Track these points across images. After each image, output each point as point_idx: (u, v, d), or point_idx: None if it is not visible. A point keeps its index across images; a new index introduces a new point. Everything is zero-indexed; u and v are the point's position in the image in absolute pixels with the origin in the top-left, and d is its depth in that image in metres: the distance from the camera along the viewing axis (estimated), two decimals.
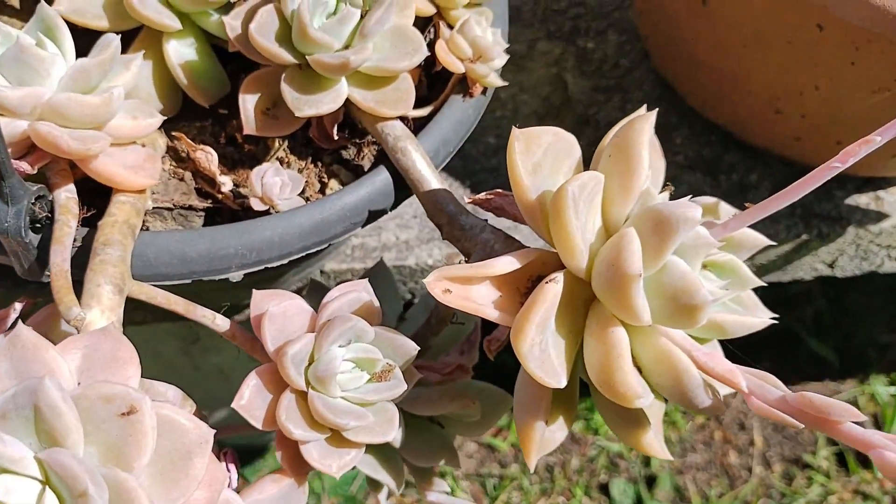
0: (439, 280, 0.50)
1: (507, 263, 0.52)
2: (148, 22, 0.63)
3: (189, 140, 0.64)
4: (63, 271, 0.51)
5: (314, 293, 0.71)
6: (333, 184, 0.66)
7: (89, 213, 0.57)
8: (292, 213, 0.59)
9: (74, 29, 0.59)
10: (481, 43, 0.64)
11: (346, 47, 0.60)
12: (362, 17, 0.59)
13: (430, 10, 0.67)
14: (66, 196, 0.56)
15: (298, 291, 0.79)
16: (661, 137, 1.01)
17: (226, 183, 0.63)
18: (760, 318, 0.55)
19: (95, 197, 0.58)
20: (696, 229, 0.50)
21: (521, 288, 0.54)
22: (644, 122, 0.52)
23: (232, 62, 0.67)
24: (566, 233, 0.49)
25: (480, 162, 0.98)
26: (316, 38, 0.57)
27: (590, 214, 0.51)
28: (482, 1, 0.69)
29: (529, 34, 1.07)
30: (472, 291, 0.51)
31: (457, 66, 0.64)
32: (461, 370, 0.67)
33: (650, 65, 1.04)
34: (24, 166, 0.54)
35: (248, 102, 0.61)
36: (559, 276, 0.50)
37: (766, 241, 0.59)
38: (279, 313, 0.54)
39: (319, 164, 0.67)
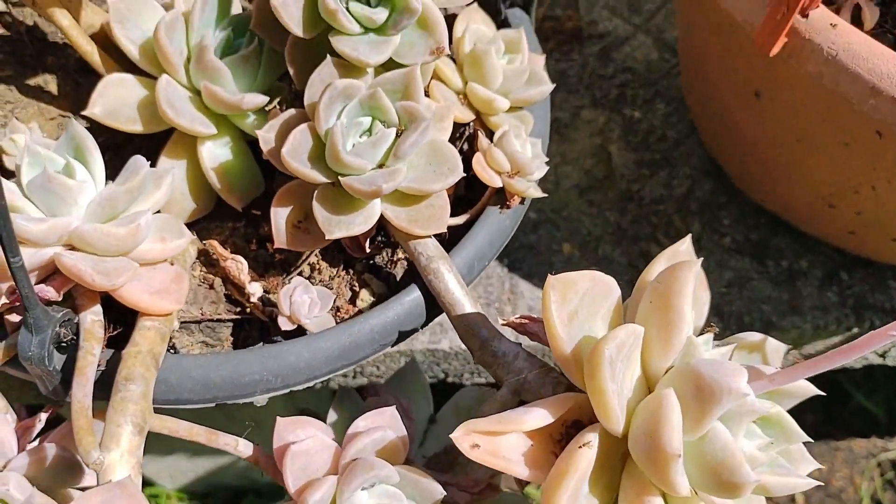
0: (467, 434, 0.48)
1: (539, 418, 0.49)
2: (181, 129, 0.62)
3: (220, 248, 0.62)
4: (84, 408, 0.50)
5: (343, 402, 0.69)
6: (365, 294, 0.64)
7: (115, 332, 0.56)
8: (319, 337, 0.58)
9: None
10: (520, 158, 0.61)
11: (381, 165, 0.58)
12: (398, 134, 0.57)
13: (468, 117, 0.65)
14: (92, 319, 0.55)
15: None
16: (708, 217, 0.98)
17: (255, 291, 0.62)
18: (805, 479, 0.52)
19: (122, 314, 0.57)
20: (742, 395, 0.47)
21: (556, 434, 0.52)
22: (688, 271, 0.49)
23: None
24: (602, 395, 0.47)
25: (518, 238, 0.95)
26: (349, 161, 0.55)
27: (628, 370, 0.49)
28: (524, 104, 0.67)
29: (574, 101, 1.04)
30: (501, 444, 0.49)
31: (494, 181, 0.62)
32: (491, 489, 0.65)
33: (698, 137, 1.01)
34: (49, 293, 0.53)
35: (279, 216, 0.60)
36: (594, 440, 0.47)
37: (814, 391, 0.56)
38: (301, 451, 0.53)
39: (351, 271, 0.65)
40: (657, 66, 1.08)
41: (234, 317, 0.62)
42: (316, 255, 0.65)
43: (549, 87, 0.67)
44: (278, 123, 0.59)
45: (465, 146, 0.67)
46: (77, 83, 0.73)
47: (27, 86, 0.72)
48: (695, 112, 0.98)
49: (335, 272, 0.65)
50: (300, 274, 0.65)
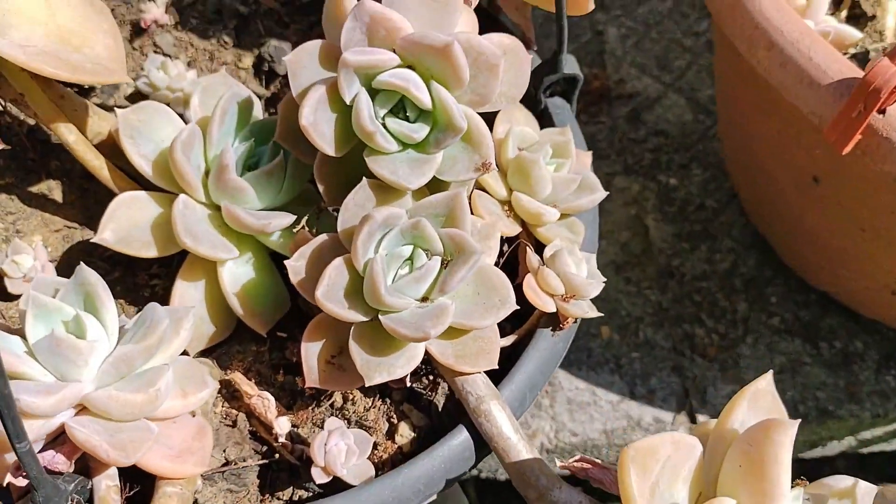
0: None
1: None
2: (201, 255, 0.57)
3: (245, 384, 0.57)
4: None
5: None
6: (404, 428, 0.58)
7: (132, 492, 0.51)
8: (359, 493, 0.52)
9: None
10: (576, 281, 0.55)
11: (425, 298, 0.52)
12: (443, 263, 0.52)
13: (514, 231, 0.60)
14: (107, 485, 0.49)
15: None
16: (755, 294, 0.92)
17: (283, 428, 0.56)
18: None
19: (139, 471, 0.51)
20: None
21: None
22: (784, 434, 0.44)
23: None
24: None
25: None
26: (391, 303, 0.50)
27: None
28: (573, 213, 0.61)
29: (606, 167, 0.99)
30: None
31: (547, 306, 0.56)
32: None
33: (739, 206, 0.95)
34: (59, 464, 0.47)
35: (310, 352, 0.54)
36: None
37: None
38: None
39: (388, 400, 0.59)
40: (692, 128, 1.02)
41: (261, 460, 0.56)
42: None
43: (602, 194, 0.61)
44: (309, 252, 0.54)
45: (508, 257, 0.61)
46: (83, 189, 0.68)
47: (30, 193, 0.67)
48: (736, 181, 0.92)
49: (370, 402, 0.59)
50: (332, 405, 0.59)
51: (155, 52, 0.74)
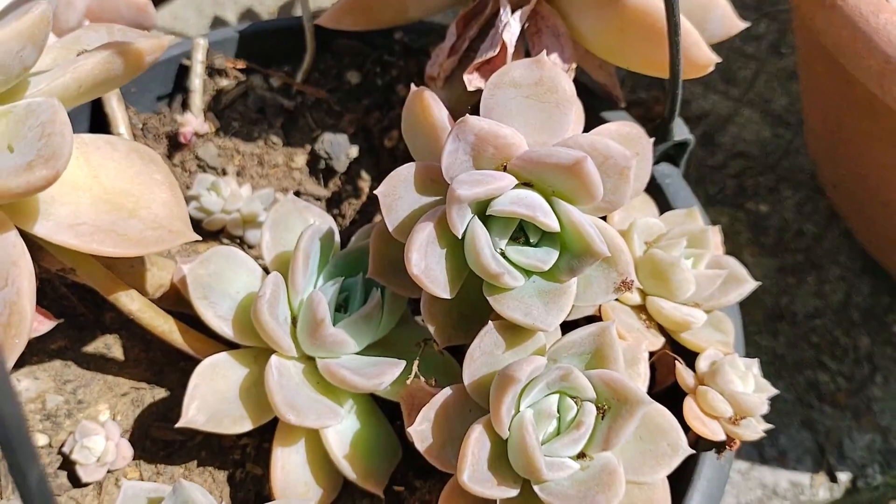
0: None
1: None
2: (309, 427, 0.49)
3: None
4: None
5: None
6: None
7: None
8: None
9: None
10: (745, 401, 0.47)
11: (581, 455, 0.44)
12: (600, 412, 0.43)
13: (659, 344, 0.51)
14: None
15: None
16: (876, 326, 0.83)
17: None
18: None
19: None
20: None
21: None
22: None
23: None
24: None
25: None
26: (549, 477, 0.42)
27: None
28: (715, 307, 0.53)
29: None
30: None
31: (716, 434, 0.48)
32: None
33: (841, 227, 0.87)
34: None
35: None
36: None
37: None
38: None
39: None
40: (773, 144, 0.93)
41: None
42: None
43: (752, 285, 0.53)
44: (433, 413, 0.45)
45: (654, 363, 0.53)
46: (147, 342, 0.60)
47: (86, 355, 0.59)
48: (840, 205, 0.83)
49: None
50: None
51: (199, 166, 0.66)
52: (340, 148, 0.66)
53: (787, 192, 0.90)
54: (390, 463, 0.53)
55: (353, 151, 0.67)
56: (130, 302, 0.50)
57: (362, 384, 0.48)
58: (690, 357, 0.53)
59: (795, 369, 0.81)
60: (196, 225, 0.62)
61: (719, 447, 0.50)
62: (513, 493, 0.43)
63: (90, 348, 0.59)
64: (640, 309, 0.52)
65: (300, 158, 0.67)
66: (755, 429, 0.48)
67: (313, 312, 0.48)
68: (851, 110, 0.69)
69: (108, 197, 0.45)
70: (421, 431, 0.45)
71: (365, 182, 0.67)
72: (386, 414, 0.55)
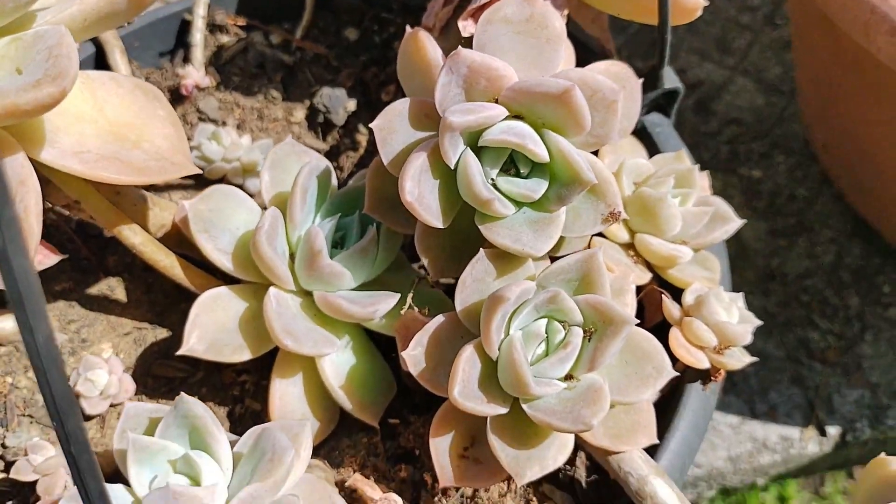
0: None
1: None
2: (304, 355, 0.50)
3: (369, 490, 0.50)
4: None
5: None
6: None
7: None
8: None
9: None
10: (730, 330, 0.49)
11: (569, 377, 0.46)
12: (586, 334, 0.45)
13: (645, 279, 0.53)
14: None
15: None
16: (866, 286, 0.84)
17: None
18: None
19: None
20: None
21: None
22: None
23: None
24: None
25: None
26: (537, 392, 0.43)
27: None
28: (705, 246, 0.54)
29: None
30: None
31: (701, 363, 0.49)
32: None
33: (833, 191, 0.88)
34: None
35: (440, 449, 0.48)
36: None
37: None
38: None
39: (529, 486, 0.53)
40: (766, 112, 0.95)
41: None
42: None
43: (737, 223, 0.54)
44: (426, 339, 0.47)
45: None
46: (148, 284, 0.61)
47: (90, 297, 0.60)
48: (831, 167, 0.85)
49: (505, 487, 0.52)
50: (461, 495, 0.53)
51: (200, 118, 0.67)
52: (339, 102, 0.67)
53: (779, 158, 0.92)
54: (385, 397, 0.55)
55: (351, 105, 0.68)
56: (133, 235, 0.51)
57: (358, 312, 0.49)
58: (677, 295, 0.54)
59: (786, 328, 0.82)
60: (197, 175, 0.64)
61: (704, 378, 0.52)
62: (502, 410, 0.45)
63: (93, 290, 0.61)
64: (629, 247, 0.53)
65: (299, 113, 0.69)
66: (739, 358, 0.50)
67: (311, 244, 0.49)
68: (841, 69, 0.70)
69: (112, 129, 0.47)
70: (414, 356, 0.47)
71: (362, 135, 0.68)
72: (381, 352, 0.57)
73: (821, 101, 0.79)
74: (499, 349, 0.45)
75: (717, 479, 0.77)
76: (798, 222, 0.87)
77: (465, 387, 0.44)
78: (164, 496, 0.39)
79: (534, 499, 0.53)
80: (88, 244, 0.62)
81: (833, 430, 0.78)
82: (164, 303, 0.61)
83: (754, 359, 0.52)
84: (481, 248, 0.47)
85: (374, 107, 0.70)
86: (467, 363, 0.44)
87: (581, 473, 0.53)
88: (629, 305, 0.50)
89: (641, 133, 0.61)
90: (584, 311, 0.45)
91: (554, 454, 0.46)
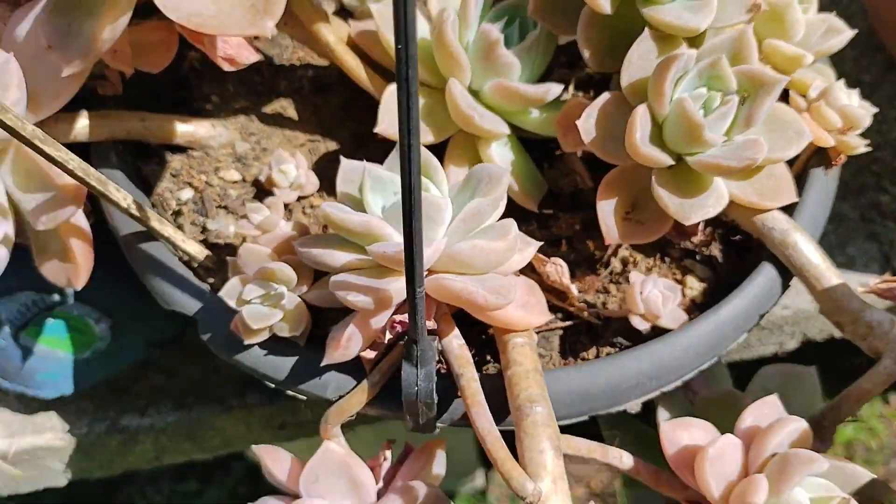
0: None
1: None
2: (481, 133, 0.58)
3: (539, 254, 0.58)
4: (496, 438, 0.46)
5: (669, 402, 0.65)
6: (692, 281, 0.59)
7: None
8: (686, 333, 0.53)
9: None
10: (853, 112, 0.57)
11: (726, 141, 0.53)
12: (741, 101, 0.53)
13: None
14: (458, 344, 0.50)
15: None
16: None
17: (575, 294, 0.58)
18: None
19: (461, 324, 0.52)
20: None
21: None
22: None
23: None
24: None
25: None
26: (709, 139, 0.51)
27: None
28: (820, 56, 0.62)
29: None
30: None
31: (827, 141, 0.57)
32: None
33: (891, 60, 0.96)
34: (429, 324, 0.49)
35: (606, 209, 0.55)
36: None
37: None
38: (717, 455, 0.49)
39: (668, 259, 0.60)
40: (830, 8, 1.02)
41: (566, 324, 0.58)
42: (626, 247, 0.61)
43: (849, 33, 0.62)
44: (595, 111, 0.55)
45: None
46: (316, 106, 0.69)
47: (265, 114, 0.68)
48: (891, 43, 0.92)
49: (652, 262, 0.60)
50: (611, 272, 0.60)
51: None
52: None
53: (844, 50, 0.99)
54: (539, 191, 0.62)
55: None
56: (329, 33, 0.59)
57: (533, 93, 0.57)
58: None
59: (859, 193, 0.90)
60: None
61: (827, 164, 0.60)
62: (671, 161, 0.53)
63: (268, 109, 0.68)
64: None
65: None
66: (858, 140, 0.57)
67: (488, 35, 0.57)
68: None
69: None
70: (586, 126, 0.55)
71: None
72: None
73: None
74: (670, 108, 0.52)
75: (803, 321, 0.85)
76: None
77: (643, 135, 0.52)
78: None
79: (677, 271, 0.60)
80: (260, 70, 0.70)
81: None
82: (332, 122, 0.68)
83: (869, 148, 0.60)
84: (646, 29, 0.54)
85: None
86: (642, 118, 0.52)
87: (715, 252, 0.61)
88: None
89: None
90: (739, 80, 0.53)
91: (713, 202, 0.53)
